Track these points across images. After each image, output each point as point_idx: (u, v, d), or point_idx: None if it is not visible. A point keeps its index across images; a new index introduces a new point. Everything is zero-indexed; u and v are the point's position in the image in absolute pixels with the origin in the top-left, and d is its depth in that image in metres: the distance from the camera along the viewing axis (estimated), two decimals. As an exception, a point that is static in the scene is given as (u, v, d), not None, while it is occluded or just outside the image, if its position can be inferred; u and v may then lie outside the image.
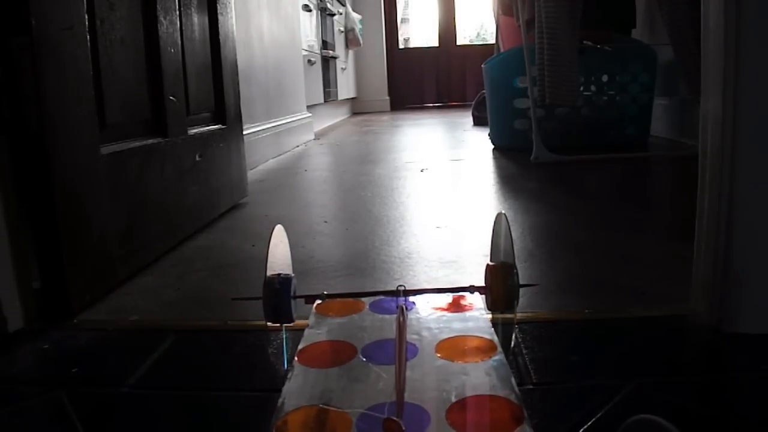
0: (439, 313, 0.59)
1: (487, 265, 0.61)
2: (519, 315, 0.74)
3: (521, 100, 2.25)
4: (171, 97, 1.12)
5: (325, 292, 0.61)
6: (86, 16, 0.84)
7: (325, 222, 1.29)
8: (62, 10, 0.78)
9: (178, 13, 1.16)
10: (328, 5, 3.94)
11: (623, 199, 1.49)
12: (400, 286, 0.58)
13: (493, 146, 2.48)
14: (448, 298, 0.64)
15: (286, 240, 0.65)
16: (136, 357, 0.67)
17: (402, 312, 0.50)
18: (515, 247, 1.04)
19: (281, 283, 0.57)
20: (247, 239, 1.15)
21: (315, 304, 0.61)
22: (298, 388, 0.45)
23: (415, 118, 4.56)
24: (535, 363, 0.62)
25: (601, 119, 2.33)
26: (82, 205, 0.83)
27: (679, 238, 0.96)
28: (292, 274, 0.61)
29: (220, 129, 1.39)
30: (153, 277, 0.96)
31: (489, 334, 0.54)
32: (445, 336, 0.53)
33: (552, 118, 2.25)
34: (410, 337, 0.52)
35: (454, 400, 0.42)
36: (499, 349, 0.51)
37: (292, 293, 0.58)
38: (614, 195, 1.59)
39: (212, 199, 1.32)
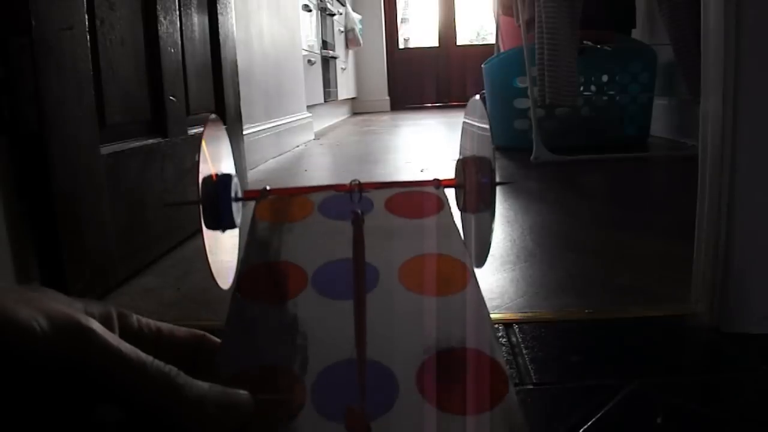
0: (402, 218, 0.48)
1: (459, 159, 0.51)
2: (519, 315, 0.74)
3: (521, 100, 2.25)
4: (171, 97, 1.12)
5: (267, 188, 0.49)
6: (86, 16, 0.84)
7: (325, 222, 1.29)
8: (62, 10, 0.78)
9: (178, 13, 1.16)
10: (328, 5, 3.94)
11: (623, 199, 1.49)
12: (354, 181, 0.48)
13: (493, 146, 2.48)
14: (411, 196, 0.51)
15: (225, 134, 0.51)
16: (136, 357, 0.67)
17: (359, 226, 0.41)
18: (515, 247, 1.04)
19: (219, 182, 0.47)
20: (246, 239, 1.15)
21: (255, 205, 0.50)
22: (241, 330, 0.37)
23: (415, 118, 4.56)
24: (535, 363, 0.62)
25: (601, 119, 2.33)
26: (82, 205, 0.83)
27: (679, 238, 0.96)
28: (233, 173, 0.50)
29: (220, 129, 1.38)
30: (153, 277, 0.96)
31: (460, 252, 0.44)
32: (410, 255, 0.43)
33: (552, 118, 2.25)
34: (369, 257, 0.42)
35: (424, 358, 0.35)
36: (473, 277, 0.41)
37: (233, 195, 0.48)
38: (614, 195, 1.59)
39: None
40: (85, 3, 0.84)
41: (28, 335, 0.22)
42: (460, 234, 0.48)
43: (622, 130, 2.34)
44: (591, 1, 2.00)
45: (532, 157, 1.99)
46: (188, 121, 1.21)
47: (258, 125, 2.24)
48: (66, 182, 0.79)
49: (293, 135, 2.80)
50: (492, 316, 0.74)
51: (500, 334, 0.69)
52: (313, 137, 3.23)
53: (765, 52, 0.63)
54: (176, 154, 1.14)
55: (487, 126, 0.48)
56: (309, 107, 3.23)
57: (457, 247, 0.46)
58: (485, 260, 0.49)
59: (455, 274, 0.43)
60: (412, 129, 3.71)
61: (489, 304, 0.77)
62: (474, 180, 0.49)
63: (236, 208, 0.49)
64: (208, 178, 0.48)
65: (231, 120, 1.46)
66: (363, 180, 0.50)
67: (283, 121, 2.65)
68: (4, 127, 0.74)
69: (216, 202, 0.47)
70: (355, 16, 4.95)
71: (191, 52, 1.23)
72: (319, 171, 2.14)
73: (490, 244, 0.48)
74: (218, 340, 0.33)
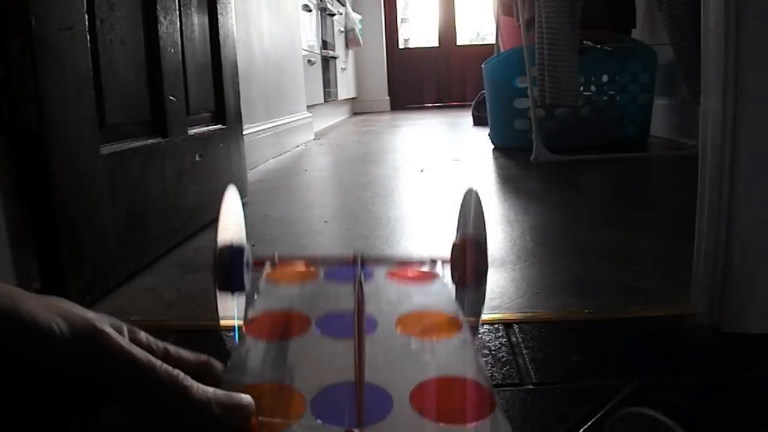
0: (401, 284, 0.54)
1: (455, 240, 0.56)
2: (519, 315, 0.74)
3: (521, 100, 2.25)
4: (171, 97, 1.12)
5: (276, 255, 0.55)
6: (86, 16, 0.84)
7: (325, 222, 1.29)
8: (62, 10, 0.78)
9: (178, 13, 1.16)
10: (328, 5, 3.94)
11: (623, 199, 1.49)
12: (358, 252, 0.54)
13: (493, 146, 2.48)
14: (409, 269, 0.58)
15: (240, 205, 0.58)
16: (136, 357, 0.67)
17: (360, 284, 0.47)
18: (515, 247, 1.04)
19: (233, 250, 0.52)
20: (247, 239, 1.15)
21: (265, 270, 0.56)
22: (244, 362, 0.41)
23: (415, 118, 4.56)
24: (535, 363, 0.62)
25: (601, 119, 2.33)
26: (82, 205, 0.83)
27: (679, 238, 0.96)
28: (245, 243, 0.55)
29: (220, 129, 1.39)
30: (153, 277, 0.96)
31: (453, 309, 0.49)
32: (406, 310, 0.49)
33: (552, 118, 2.25)
34: (369, 309, 0.46)
35: (417, 381, 0.38)
36: (465, 326, 0.46)
37: (245, 261, 0.53)
38: (614, 195, 1.59)
39: (212, 199, 1.32)
40: (85, 3, 0.83)
41: (48, 337, 0.23)
42: (452, 296, 0.53)
43: (622, 130, 2.34)
44: (591, 1, 2.00)
45: (532, 157, 1.99)
46: (188, 121, 1.21)
47: (258, 125, 2.24)
48: (66, 182, 0.79)
49: (293, 135, 2.80)
50: (492, 316, 0.74)
51: (500, 334, 0.69)
52: (313, 137, 3.23)
53: (765, 52, 0.63)
54: (176, 154, 1.14)
55: (482, 213, 0.53)
56: (309, 107, 3.23)
57: (450, 304, 0.51)
58: (478, 330, 0.54)
59: (447, 324, 0.48)
60: (411, 129, 3.71)
61: (489, 304, 0.77)
62: (467, 260, 0.54)
63: (247, 273, 0.55)
64: (224, 247, 0.54)
65: (231, 120, 1.46)
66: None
67: (283, 121, 2.65)
68: (4, 127, 0.74)
69: (230, 269, 0.53)
70: (355, 16, 4.95)
71: (191, 52, 1.23)
72: (319, 171, 2.14)
73: (480, 314, 0.53)
74: (221, 366, 0.35)
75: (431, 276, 0.57)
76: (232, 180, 1.44)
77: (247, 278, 0.55)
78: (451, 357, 0.43)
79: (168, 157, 1.10)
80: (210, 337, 0.73)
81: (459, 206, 0.60)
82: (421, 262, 0.58)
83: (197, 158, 1.24)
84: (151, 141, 1.04)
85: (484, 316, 0.73)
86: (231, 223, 0.57)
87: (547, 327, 0.71)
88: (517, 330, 0.70)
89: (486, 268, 0.52)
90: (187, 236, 1.17)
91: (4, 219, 0.74)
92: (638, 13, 2.42)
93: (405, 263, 0.59)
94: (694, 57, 1.86)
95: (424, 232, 1.18)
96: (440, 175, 1.89)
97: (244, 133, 1.57)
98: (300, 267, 0.58)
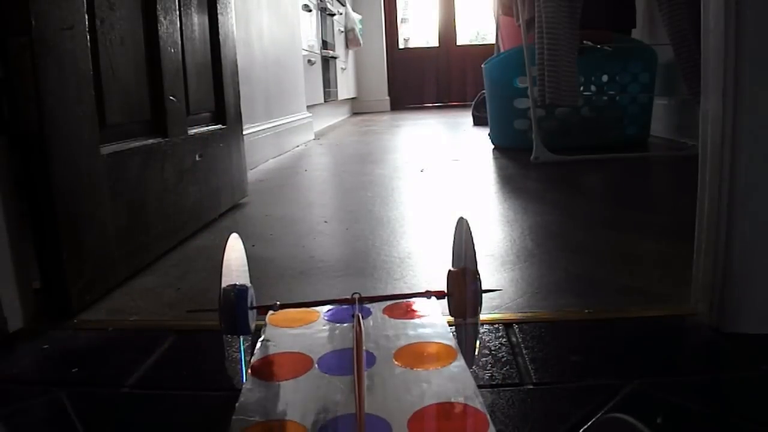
0: (396, 320, 0.57)
1: (449, 270, 0.59)
2: (519, 315, 0.74)
3: (521, 100, 2.25)
4: (171, 97, 1.12)
5: (278, 303, 0.59)
6: (86, 16, 0.84)
7: (326, 222, 1.29)
8: (62, 10, 0.78)
9: (178, 13, 1.16)
10: (328, 5, 3.94)
11: (623, 199, 1.49)
12: (355, 293, 0.57)
13: (493, 146, 2.48)
14: (404, 304, 0.61)
15: (242, 248, 0.64)
16: (135, 357, 0.67)
17: (358, 321, 0.49)
18: (515, 247, 1.04)
19: (237, 294, 0.55)
20: (247, 239, 1.15)
21: (268, 315, 0.59)
22: (252, 403, 0.43)
23: (415, 118, 4.56)
24: (535, 363, 0.62)
25: (601, 119, 2.33)
26: (82, 205, 0.83)
27: (679, 238, 0.96)
28: (249, 285, 0.59)
29: (220, 129, 1.39)
30: (153, 277, 0.96)
31: (448, 339, 0.52)
32: (403, 343, 0.52)
33: (552, 118, 2.25)
34: (367, 345, 0.50)
35: (415, 409, 0.41)
36: (459, 354, 0.49)
37: (249, 304, 0.56)
38: (614, 195, 1.59)
39: (212, 199, 1.32)
40: (85, 3, 0.83)
41: None
42: (446, 326, 0.56)
43: (622, 130, 2.34)
44: (591, 1, 2.00)
45: (532, 157, 1.99)
46: (188, 121, 1.21)
47: (258, 125, 2.24)
48: (66, 182, 0.79)
49: (293, 135, 2.80)
50: (492, 316, 0.74)
51: (500, 334, 0.69)
52: (313, 137, 3.23)
53: (765, 52, 0.63)
54: (176, 154, 1.14)
55: (472, 243, 0.55)
56: (309, 107, 3.23)
57: (445, 335, 0.54)
58: (473, 361, 0.57)
59: (444, 354, 0.50)
60: (411, 129, 3.71)
61: (489, 304, 0.77)
62: (461, 290, 0.56)
63: (251, 316, 0.58)
64: (228, 289, 0.57)
65: (231, 120, 1.46)
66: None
67: (283, 121, 2.65)
68: (4, 127, 0.74)
69: (234, 311, 0.56)
70: (355, 16, 4.95)
71: (191, 52, 1.23)
72: (319, 171, 2.14)
73: (476, 345, 0.56)
74: None
75: (426, 310, 0.60)
76: (232, 180, 1.44)
77: (251, 321, 0.58)
78: (447, 384, 0.45)
79: (168, 156, 1.10)
80: (210, 337, 0.73)
81: (453, 235, 0.63)
82: (415, 296, 0.62)
83: (197, 158, 1.24)
84: (151, 141, 1.04)
85: (484, 316, 0.73)
86: (234, 269, 0.60)
87: (547, 327, 0.71)
88: (516, 330, 0.70)
89: (480, 295, 0.55)
90: (187, 236, 1.17)
91: (4, 219, 0.74)
92: (638, 13, 2.41)
93: (400, 298, 0.62)
94: (694, 57, 1.86)
95: (424, 232, 1.18)
96: (440, 175, 1.90)
97: (244, 133, 1.57)
98: (301, 311, 0.61)
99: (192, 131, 1.23)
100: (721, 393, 0.56)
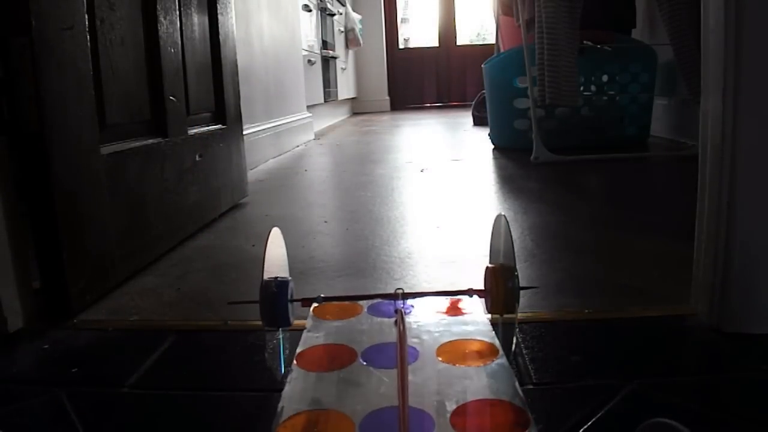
0: (439, 316, 0.59)
1: (487, 267, 0.60)
2: (519, 315, 0.74)
3: (521, 100, 2.25)
4: (171, 97, 1.12)
5: (321, 295, 0.60)
6: (86, 16, 0.84)
7: (326, 222, 1.29)
8: (62, 10, 0.78)
9: (178, 13, 1.16)
10: (328, 5, 3.94)
11: (623, 199, 1.49)
12: (399, 289, 0.58)
13: (493, 146, 2.48)
14: (446, 301, 0.63)
15: (282, 242, 0.64)
16: (136, 357, 0.67)
17: (401, 316, 0.50)
18: (515, 248, 1.04)
19: (278, 286, 0.56)
20: (247, 239, 1.15)
21: (312, 307, 0.61)
22: (298, 392, 0.45)
23: (415, 118, 4.56)
24: (535, 363, 0.62)
25: (601, 119, 2.33)
26: (82, 205, 0.83)
27: (679, 238, 0.96)
28: (289, 278, 0.59)
29: (220, 129, 1.39)
30: (153, 277, 0.96)
31: (490, 337, 0.53)
32: (445, 339, 0.53)
33: (552, 118, 2.25)
34: (410, 340, 0.51)
35: (457, 404, 0.41)
36: (501, 352, 0.50)
37: (289, 297, 0.57)
38: (614, 195, 1.59)
39: (212, 199, 1.32)
40: (85, 3, 0.83)
41: None
42: (488, 324, 0.57)
43: (622, 130, 2.34)
44: (591, 1, 2.00)
45: (532, 157, 1.99)
46: (188, 121, 1.21)
47: (258, 125, 2.24)
48: (66, 182, 0.79)
49: (293, 135, 2.80)
50: (492, 317, 0.74)
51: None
52: (313, 137, 3.23)
53: (765, 51, 0.63)
54: (176, 154, 1.14)
55: (511, 241, 0.58)
56: (309, 107, 3.23)
57: (488, 333, 0.55)
58: (510, 358, 0.57)
59: (486, 351, 0.52)
60: (411, 129, 3.71)
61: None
62: (500, 287, 0.58)
63: (291, 309, 0.58)
64: (269, 281, 0.57)
65: (231, 120, 1.46)
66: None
67: (283, 121, 2.65)
68: (4, 127, 0.74)
69: (275, 303, 0.57)
70: (355, 16, 4.95)
71: (191, 52, 1.23)
72: (319, 171, 2.14)
73: (513, 342, 0.58)
74: None
75: (468, 308, 0.62)
76: (232, 180, 1.44)
77: (291, 314, 0.58)
78: (488, 381, 0.46)
79: (168, 157, 1.10)
80: (210, 337, 0.73)
81: (491, 231, 0.65)
82: (458, 293, 0.62)
83: (197, 158, 1.24)
84: (151, 141, 1.04)
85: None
86: (275, 260, 0.61)
87: (547, 327, 0.71)
88: (517, 330, 0.70)
89: (518, 295, 0.57)
90: (187, 236, 1.17)
91: (4, 219, 0.74)
92: (638, 13, 2.42)
93: (442, 295, 0.64)
94: (694, 57, 1.86)
95: (425, 231, 1.18)
96: (440, 175, 1.89)
97: (244, 133, 1.57)
98: (344, 304, 0.63)
99: (192, 131, 1.23)
100: (721, 393, 0.56)
